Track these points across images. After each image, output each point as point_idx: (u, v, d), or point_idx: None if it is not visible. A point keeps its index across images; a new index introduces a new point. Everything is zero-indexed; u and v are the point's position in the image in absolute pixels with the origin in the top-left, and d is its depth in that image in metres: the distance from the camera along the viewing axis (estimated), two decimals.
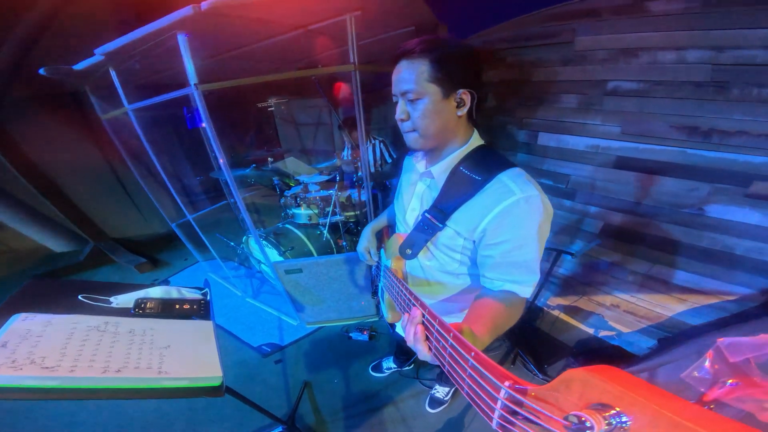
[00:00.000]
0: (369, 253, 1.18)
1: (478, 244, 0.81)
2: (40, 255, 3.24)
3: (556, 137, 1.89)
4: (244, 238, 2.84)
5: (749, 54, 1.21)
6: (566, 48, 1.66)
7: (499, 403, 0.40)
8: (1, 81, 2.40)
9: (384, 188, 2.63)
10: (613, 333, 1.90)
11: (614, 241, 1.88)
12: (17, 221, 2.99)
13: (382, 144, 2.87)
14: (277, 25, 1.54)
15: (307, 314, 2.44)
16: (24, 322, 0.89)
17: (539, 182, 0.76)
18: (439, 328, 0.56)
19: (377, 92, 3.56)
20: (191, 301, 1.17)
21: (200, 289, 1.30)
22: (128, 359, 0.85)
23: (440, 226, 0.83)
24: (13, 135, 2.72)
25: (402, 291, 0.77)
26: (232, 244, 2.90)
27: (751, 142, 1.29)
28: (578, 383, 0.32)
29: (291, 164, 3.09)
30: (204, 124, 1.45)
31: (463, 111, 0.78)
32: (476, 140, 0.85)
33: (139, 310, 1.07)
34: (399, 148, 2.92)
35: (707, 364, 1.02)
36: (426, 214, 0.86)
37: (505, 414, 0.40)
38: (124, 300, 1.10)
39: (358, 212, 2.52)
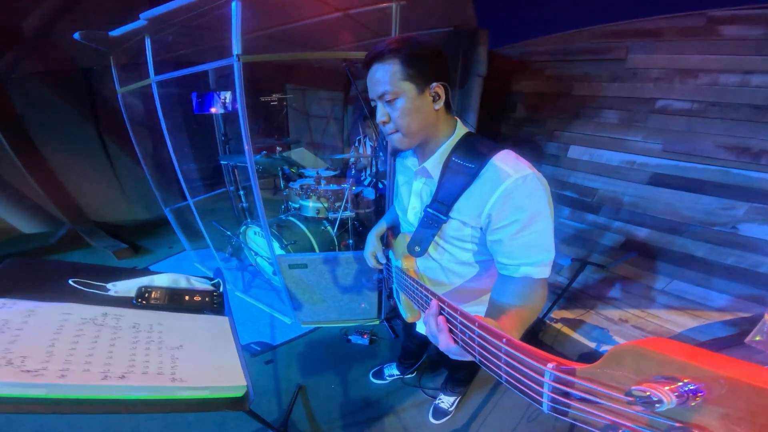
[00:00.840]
0: (375, 257, 1.17)
1: (485, 230, 0.82)
2: (6, 236, 2.96)
3: (590, 151, 1.89)
4: (242, 228, 2.68)
5: None
6: (617, 64, 1.67)
7: (546, 386, 0.39)
8: (21, 52, 2.38)
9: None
10: None
11: (635, 256, 1.86)
12: None
13: None
14: (323, 3, 1.49)
15: (304, 313, 2.31)
16: (1, 311, 0.72)
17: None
18: (462, 320, 0.55)
19: None
20: (203, 293, 1.03)
21: (210, 279, 1.15)
22: (134, 362, 0.70)
23: (444, 218, 0.84)
24: (16, 108, 2.65)
25: (417, 288, 0.78)
26: (229, 233, 2.73)
27: None
28: (630, 358, 0.31)
29: (298, 155, 2.96)
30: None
31: (440, 104, 0.80)
32: (461, 129, 0.87)
33: (142, 300, 0.91)
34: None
35: None
36: (428, 209, 0.87)
37: (555, 396, 0.38)
38: (124, 287, 0.93)
39: (366, 210, 2.42)
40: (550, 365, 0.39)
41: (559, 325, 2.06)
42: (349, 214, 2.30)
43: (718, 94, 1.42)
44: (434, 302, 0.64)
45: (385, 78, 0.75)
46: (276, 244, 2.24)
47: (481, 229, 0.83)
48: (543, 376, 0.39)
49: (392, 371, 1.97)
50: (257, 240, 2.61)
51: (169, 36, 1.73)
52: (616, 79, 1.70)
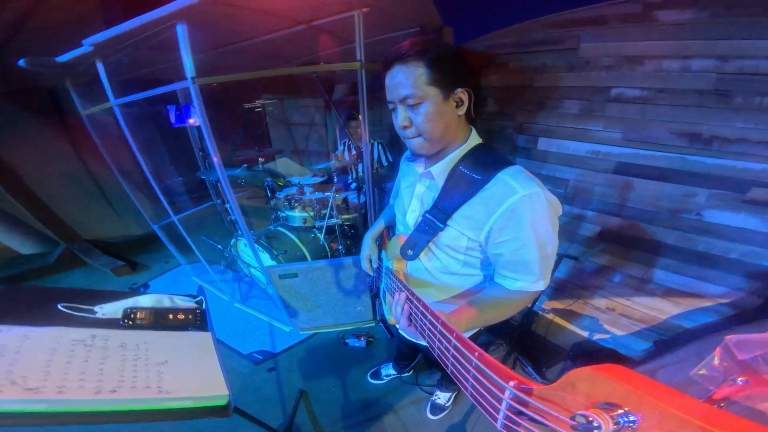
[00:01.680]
0: (369, 261, 1.17)
1: (485, 244, 0.80)
2: (4, 257, 2.99)
3: (556, 142, 1.91)
4: (232, 240, 2.72)
5: (753, 64, 1.26)
6: (571, 54, 1.68)
7: (504, 403, 0.40)
8: None
9: (380, 191, 2.58)
10: (608, 336, 1.93)
11: (611, 245, 1.91)
12: None
13: (380, 146, 2.83)
14: (282, 18, 1.49)
15: (300, 320, 2.35)
16: None
17: None
18: (442, 329, 0.56)
19: (374, 93, 3.53)
20: (186, 311, 1.08)
21: (193, 296, 1.21)
22: (123, 378, 0.76)
23: (441, 226, 0.83)
24: None
25: (402, 291, 0.77)
26: (219, 246, 2.77)
27: (751, 149, 1.33)
28: (585, 382, 0.32)
29: (282, 165, 2.99)
30: (193, 120, 1.37)
31: (463, 110, 0.78)
32: (474, 139, 0.85)
33: (128, 321, 0.96)
34: (396, 150, 2.89)
35: (716, 361, 1.01)
36: (426, 215, 0.86)
37: (510, 414, 0.40)
38: (110, 310, 0.99)
39: (354, 215, 2.46)
40: (511, 383, 0.40)
41: (551, 316, 2.08)
42: (335, 221, 2.34)
43: (664, 81, 1.45)
44: (402, 294, 0.70)
45: (409, 81, 0.72)
46: (267, 255, 2.29)
47: (479, 244, 0.81)
48: (503, 393, 0.40)
49: (389, 371, 2.01)
50: (249, 251, 2.65)
51: (125, 57, 1.68)
52: (572, 69, 1.71)
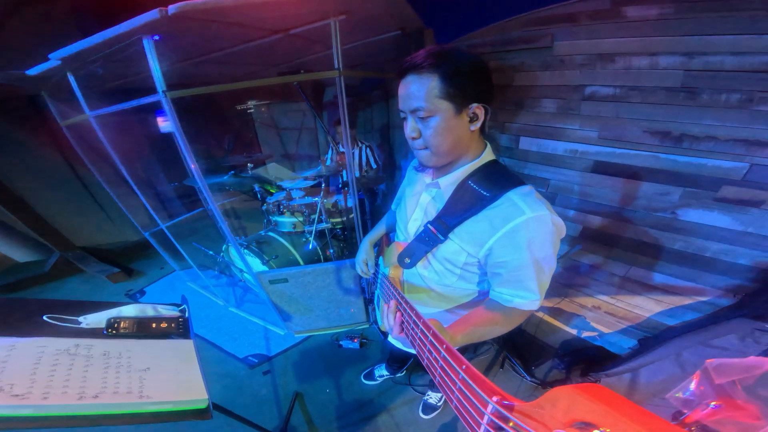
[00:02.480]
0: (366, 265, 1.17)
1: (484, 262, 0.80)
2: (1, 266, 3.01)
3: (537, 142, 1.92)
4: (224, 246, 2.75)
5: (718, 60, 1.27)
6: (546, 52, 1.68)
7: (485, 417, 0.41)
8: None
9: (372, 194, 2.61)
10: (596, 333, 1.95)
11: (593, 243, 1.93)
12: None
13: (368, 149, 2.86)
14: (256, 29, 1.49)
15: (294, 323, 2.39)
16: None
17: None
18: (432, 340, 0.57)
19: (363, 96, 3.54)
20: (168, 319, 1.11)
21: (177, 305, 1.24)
22: (105, 384, 0.80)
23: (442, 238, 0.82)
24: None
25: (398, 300, 0.77)
26: (211, 253, 2.80)
27: (720, 146, 1.35)
28: (565, 400, 0.33)
29: (273, 170, 3.01)
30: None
31: (477, 125, 0.75)
32: (488, 155, 0.83)
33: (112, 330, 0.99)
34: (385, 153, 2.92)
35: (693, 385, 1.00)
36: (429, 226, 0.85)
37: (490, 429, 0.40)
38: (94, 320, 1.02)
39: (344, 218, 2.48)
40: (494, 398, 0.41)
41: (540, 314, 2.09)
42: (325, 225, 2.37)
43: (634, 78, 1.45)
44: (392, 302, 0.72)
45: (421, 93, 0.69)
46: (258, 261, 2.31)
47: (478, 260, 0.81)
48: (486, 407, 0.41)
49: (382, 372, 2.04)
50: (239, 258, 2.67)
51: (98, 69, 1.64)
52: (547, 68, 1.71)
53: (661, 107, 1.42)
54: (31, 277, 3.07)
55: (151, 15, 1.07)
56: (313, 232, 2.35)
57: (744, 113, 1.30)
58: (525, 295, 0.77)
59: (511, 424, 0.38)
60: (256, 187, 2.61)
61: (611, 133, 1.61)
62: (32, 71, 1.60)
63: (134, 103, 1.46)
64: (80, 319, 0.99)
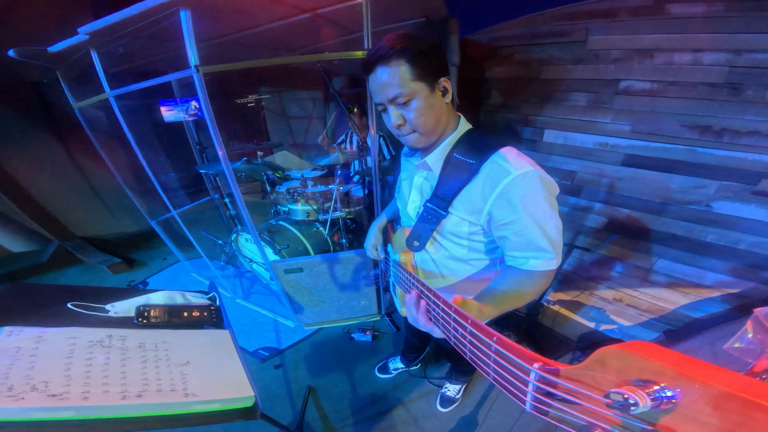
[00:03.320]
0: (376, 249, 1.17)
1: (487, 228, 0.82)
2: None
3: (563, 134, 1.91)
4: (233, 235, 2.68)
5: (766, 57, 1.26)
6: (578, 47, 1.67)
7: (530, 385, 0.39)
8: None
9: (383, 184, 2.55)
10: (614, 327, 1.96)
11: (618, 236, 1.93)
12: None
13: (382, 139, 2.79)
14: (287, 6, 1.43)
15: (305, 315, 2.34)
16: (10, 338, 0.75)
17: None
18: (456, 317, 0.56)
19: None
20: (200, 308, 1.05)
21: (206, 293, 1.18)
22: (147, 380, 0.73)
23: (443, 213, 0.84)
24: None
25: (413, 283, 0.77)
26: (220, 242, 2.73)
27: (762, 141, 1.35)
28: (614, 361, 0.31)
29: (281, 158, 2.94)
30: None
31: (449, 98, 0.79)
32: (464, 125, 0.87)
33: (142, 319, 0.93)
34: (397, 143, 2.86)
35: (749, 334, 0.98)
36: (428, 204, 0.87)
37: (539, 396, 0.39)
38: (123, 308, 0.95)
39: (358, 208, 2.44)
40: (535, 365, 0.39)
41: (556, 307, 2.09)
42: (339, 214, 2.32)
43: (675, 74, 1.46)
44: (414, 291, 0.69)
45: (395, 81, 0.72)
46: (270, 250, 2.25)
47: (481, 227, 0.82)
48: (528, 375, 0.40)
49: (397, 365, 2.00)
50: (250, 246, 2.60)
51: (119, 48, 1.63)
52: (580, 62, 1.71)
53: (702, 102, 1.42)
54: (29, 267, 2.97)
55: None
56: (328, 221, 2.30)
57: None
58: (538, 255, 0.77)
59: (560, 388, 0.36)
60: (270, 174, 2.54)
61: (646, 127, 1.60)
62: (55, 47, 1.56)
63: (162, 79, 1.41)
64: (108, 307, 0.92)
